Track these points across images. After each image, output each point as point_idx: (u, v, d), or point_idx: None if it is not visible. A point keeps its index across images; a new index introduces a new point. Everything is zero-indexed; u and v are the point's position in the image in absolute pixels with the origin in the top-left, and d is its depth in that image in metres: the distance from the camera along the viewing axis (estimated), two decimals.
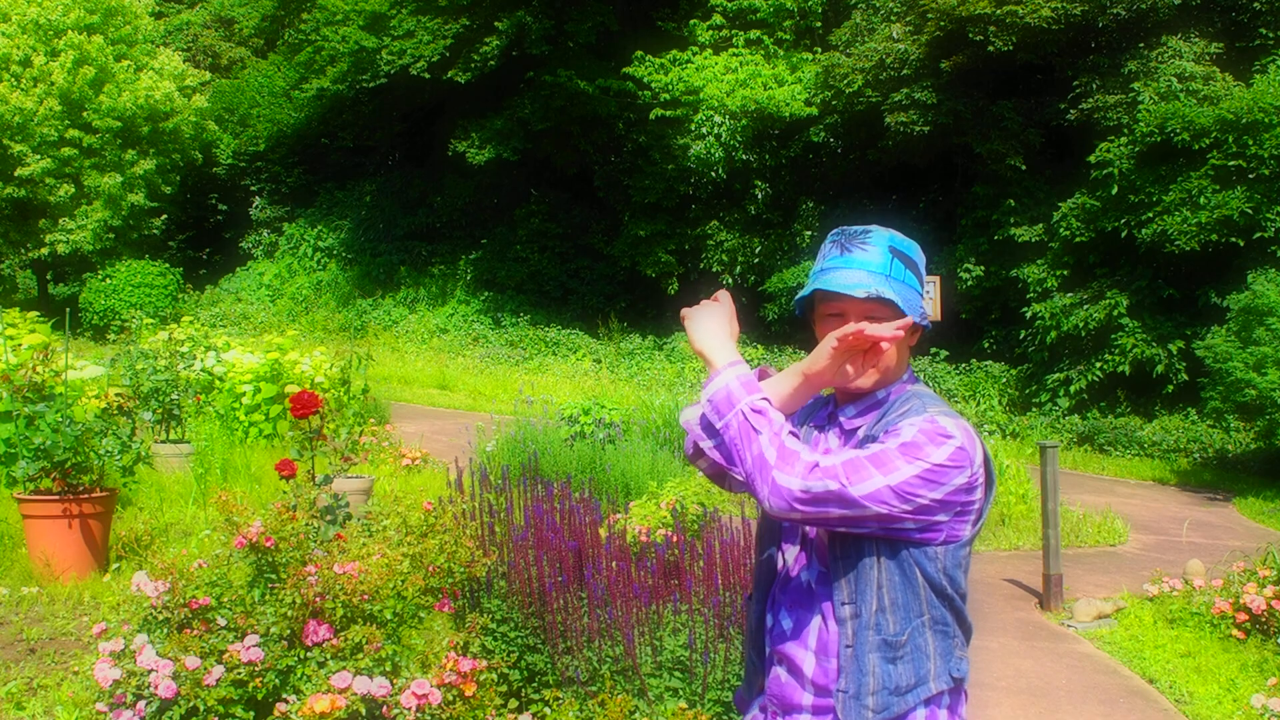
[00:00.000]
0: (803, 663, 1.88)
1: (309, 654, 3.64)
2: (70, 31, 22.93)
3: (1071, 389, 15.41)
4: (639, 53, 20.55)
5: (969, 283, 17.74)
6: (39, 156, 22.35)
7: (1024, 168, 17.06)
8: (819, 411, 2.03)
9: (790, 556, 1.95)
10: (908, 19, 17.88)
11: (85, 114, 22.77)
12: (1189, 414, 14.68)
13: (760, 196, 20.46)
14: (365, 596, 3.77)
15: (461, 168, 23.89)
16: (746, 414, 1.77)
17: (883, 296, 1.81)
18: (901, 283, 1.86)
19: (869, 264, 1.85)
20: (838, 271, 1.85)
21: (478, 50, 21.24)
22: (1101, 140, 15.76)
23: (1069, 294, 15.91)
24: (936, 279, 8.23)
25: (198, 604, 3.74)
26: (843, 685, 1.82)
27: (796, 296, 1.96)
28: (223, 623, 3.71)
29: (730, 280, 20.49)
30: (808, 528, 1.91)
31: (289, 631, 3.70)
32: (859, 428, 1.91)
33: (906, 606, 1.82)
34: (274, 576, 3.86)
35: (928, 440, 1.79)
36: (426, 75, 21.58)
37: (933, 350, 17.82)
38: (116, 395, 6.76)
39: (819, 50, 20.53)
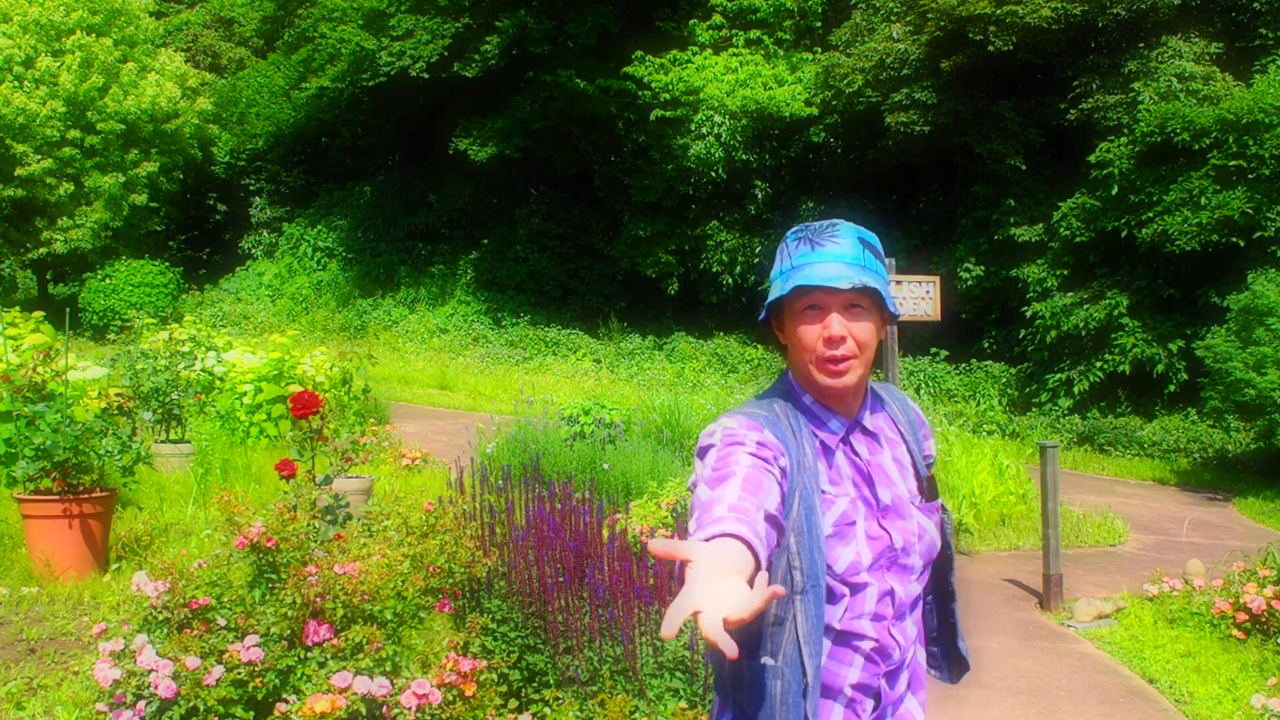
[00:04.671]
0: (920, 675, 1.93)
1: (309, 654, 3.64)
2: (78, 32, 22.92)
3: (1074, 389, 15.41)
4: (639, 53, 20.55)
5: (969, 283, 17.75)
6: (40, 157, 22.35)
7: (1024, 168, 17.06)
8: (818, 443, 1.82)
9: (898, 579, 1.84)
10: (908, 19, 17.89)
11: (89, 115, 22.77)
12: (1189, 414, 14.68)
13: (760, 196, 20.46)
14: (365, 597, 3.77)
15: (461, 167, 23.88)
16: None
17: (867, 285, 1.75)
18: (875, 273, 1.80)
19: (844, 256, 1.77)
20: (813, 266, 1.77)
21: (478, 49, 21.25)
22: (1101, 140, 15.77)
23: (1069, 294, 15.91)
24: (936, 279, 8.22)
25: (198, 604, 3.75)
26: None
27: (767, 300, 1.86)
28: (223, 623, 3.71)
29: (730, 280, 20.49)
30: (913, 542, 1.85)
31: (289, 631, 3.70)
32: (879, 430, 1.91)
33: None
34: (274, 576, 3.87)
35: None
36: (425, 75, 21.59)
37: (933, 350, 17.82)
38: (116, 395, 6.77)
39: (819, 50, 20.53)
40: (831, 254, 1.77)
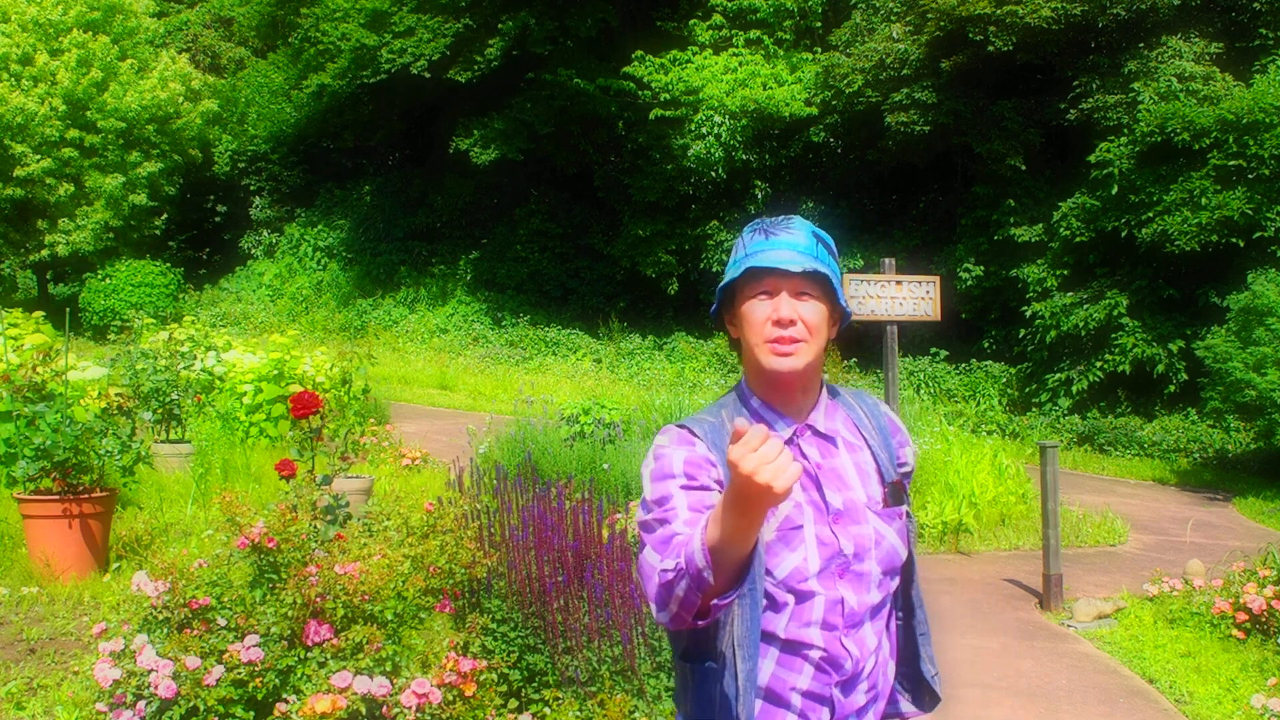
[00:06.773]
0: (885, 689, 1.88)
1: (309, 654, 3.64)
2: (74, 30, 22.89)
3: (1074, 389, 15.41)
4: (639, 52, 20.54)
5: (969, 283, 17.74)
6: (39, 157, 22.32)
7: (1024, 168, 17.05)
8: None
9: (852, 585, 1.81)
10: (908, 19, 17.88)
11: (89, 114, 22.74)
12: (1189, 414, 14.68)
13: (760, 196, 20.45)
14: (366, 597, 3.77)
15: (461, 167, 23.88)
16: None
17: (818, 270, 1.77)
18: (827, 265, 1.82)
19: (797, 245, 1.79)
20: (766, 253, 1.78)
21: (480, 51, 21.23)
22: (1101, 140, 15.76)
23: (1069, 294, 15.91)
24: (936, 279, 8.22)
25: (198, 604, 3.75)
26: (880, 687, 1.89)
27: (720, 285, 1.85)
28: (223, 623, 3.71)
29: None
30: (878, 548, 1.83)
31: (289, 631, 3.70)
32: (834, 433, 1.85)
33: None
34: (275, 577, 3.87)
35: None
36: (427, 74, 21.58)
37: (933, 350, 17.82)
38: (116, 395, 6.76)
39: (819, 50, 20.52)
40: (784, 242, 1.79)
